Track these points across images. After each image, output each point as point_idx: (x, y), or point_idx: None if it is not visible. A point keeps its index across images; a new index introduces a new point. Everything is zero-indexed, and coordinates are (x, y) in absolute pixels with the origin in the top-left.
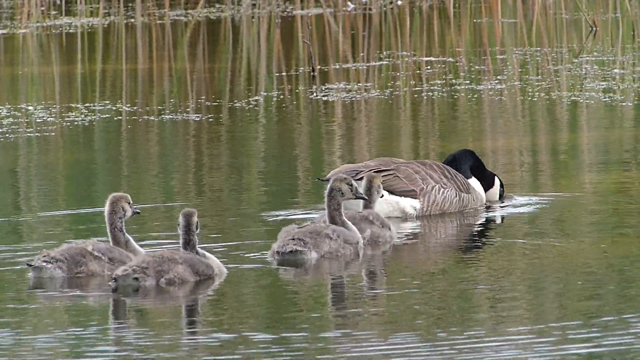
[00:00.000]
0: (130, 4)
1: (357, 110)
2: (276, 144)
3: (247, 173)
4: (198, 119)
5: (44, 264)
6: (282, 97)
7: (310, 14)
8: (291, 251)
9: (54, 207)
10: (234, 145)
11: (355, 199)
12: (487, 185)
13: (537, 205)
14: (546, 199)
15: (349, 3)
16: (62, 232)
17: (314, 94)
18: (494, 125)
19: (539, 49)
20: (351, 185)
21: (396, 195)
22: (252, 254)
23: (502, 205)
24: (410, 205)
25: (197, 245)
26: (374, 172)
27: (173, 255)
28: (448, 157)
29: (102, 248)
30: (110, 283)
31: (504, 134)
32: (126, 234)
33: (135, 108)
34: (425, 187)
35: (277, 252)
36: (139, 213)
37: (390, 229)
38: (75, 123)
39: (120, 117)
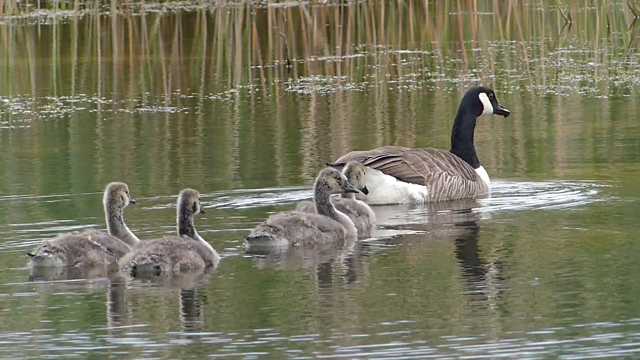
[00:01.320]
0: None
1: (332, 103)
2: (252, 136)
3: (223, 165)
4: (173, 111)
5: (45, 254)
6: (257, 89)
7: (285, 7)
8: (258, 237)
9: (29, 192)
10: (209, 138)
11: (344, 192)
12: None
13: (507, 200)
14: (523, 187)
15: None
16: (33, 216)
17: (290, 87)
18: None
19: (514, 41)
20: (339, 178)
21: (404, 181)
22: (226, 245)
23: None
24: (418, 191)
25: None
26: (378, 159)
27: (181, 241)
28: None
29: (101, 238)
30: (127, 269)
31: (480, 126)
32: (124, 223)
33: (110, 101)
34: (432, 174)
35: (248, 238)
36: (134, 203)
37: (368, 217)
38: (51, 115)
39: (95, 110)
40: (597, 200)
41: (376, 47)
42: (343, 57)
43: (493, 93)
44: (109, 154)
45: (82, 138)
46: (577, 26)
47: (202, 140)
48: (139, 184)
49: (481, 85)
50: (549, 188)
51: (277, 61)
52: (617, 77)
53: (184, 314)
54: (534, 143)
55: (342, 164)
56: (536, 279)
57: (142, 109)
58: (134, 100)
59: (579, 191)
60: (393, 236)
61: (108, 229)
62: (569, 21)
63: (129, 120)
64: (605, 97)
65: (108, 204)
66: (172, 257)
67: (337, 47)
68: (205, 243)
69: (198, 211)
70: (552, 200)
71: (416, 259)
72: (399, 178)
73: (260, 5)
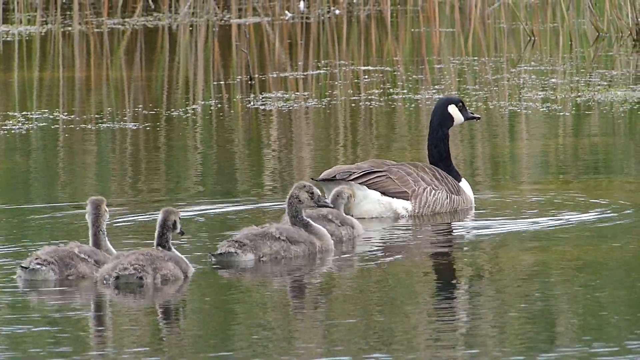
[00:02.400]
0: (67, 13)
1: (294, 119)
2: (214, 152)
3: (185, 180)
4: (135, 127)
5: (38, 266)
6: (219, 105)
7: (247, 23)
8: (222, 253)
9: None
10: (171, 154)
11: (316, 207)
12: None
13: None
14: (485, 205)
15: (286, 12)
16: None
17: (252, 103)
18: None
19: (477, 58)
20: (312, 193)
21: (388, 196)
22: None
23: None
24: (402, 206)
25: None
26: (362, 174)
27: (158, 253)
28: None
29: (87, 250)
30: (108, 281)
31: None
32: (106, 237)
33: (72, 116)
34: (417, 188)
35: (213, 254)
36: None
37: (353, 228)
38: (12, 131)
39: (57, 126)
40: (563, 217)
41: (338, 64)
42: (305, 73)
43: (462, 102)
44: (70, 170)
45: (44, 153)
46: (540, 43)
47: (164, 156)
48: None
49: (448, 96)
50: (511, 203)
51: (240, 77)
52: (579, 94)
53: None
54: (497, 159)
55: (327, 179)
56: (509, 307)
57: (103, 125)
58: (96, 115)
59: (544, 207)
60: (369, 250)
61: (90, 242)
62: (532, 38)
63: (90, 135)
64: (567, 113)
65: (94, 218)
66: (153, 268)
67: (300, 63)
68: (181, 255)
69: (177, 230)
70: (515, 216)
71: (385, 277)
72: (383, 193)
73: (223, 22)
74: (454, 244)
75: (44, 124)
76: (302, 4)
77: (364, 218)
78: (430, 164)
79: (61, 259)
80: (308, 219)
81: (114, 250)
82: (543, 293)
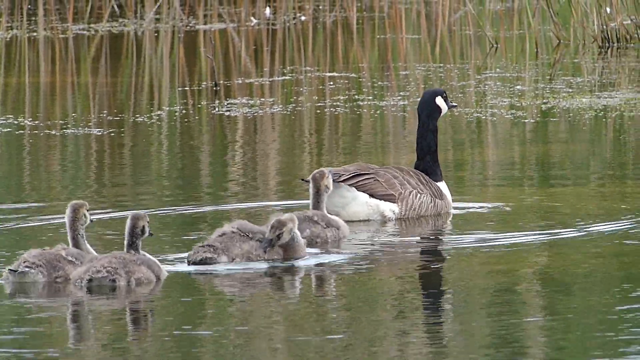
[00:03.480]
0: (33, 18)
1: (259, 125)
2: (179, 157)
3: (149, 186)
4: (100, 133)
5: (27, 269)
6: (184, 111)
7: (213, 29)
8: (202, 260)
9: None
10: (136, 159)
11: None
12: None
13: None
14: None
15: (252, 18)
16: None
17: (217, 109)
18: (396, 141)
19: (442, 65)
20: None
21: (376, 198)
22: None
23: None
24: (389, 209)
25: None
26: (351, 176)
27: (131, 256)
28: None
29: (74, 253)
30: (82, 284)
31: (407, 149)
32: (85, 240)
33: (37, 122)
34: (403, 191)
35: (188, 261)
36: (92, 222)
37: (338, 229)
38: None
39: (22, 131)
40: (529, 224)
41: (304, 70)
42: (271, 79)
43: (445, 93)
44: (35, 175)
45: (9, 159)
46: (505, 50)
47: (129, 162)
48: (65, 205)
49: (434, 88)
50: (473, 209)
51: (205, 83)
52: (544, 100)
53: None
54: (463, 165)
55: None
56: (477, 319)
57: (68, 130)
58: (61, 121)
59: (507, 214)
60: (351, 252)
61: (70, 245)
62: (495, 45)
63: (55, 141)
64: (532, 120)
65: (71, 222)
66: (125, 272)
67: (265, 69)
68: (153, 259)
69: (146, 234)
70: (486, 224)
71: (355, 285)
72: (371, 195)
73: (188, 28)
74: (435, 253)
75: (9, 129)
76: (267, 11)
77: (352, 221)
78: (418, 157)
79: (49, 262)
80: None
81: (95, 253)
82: (517, 305)
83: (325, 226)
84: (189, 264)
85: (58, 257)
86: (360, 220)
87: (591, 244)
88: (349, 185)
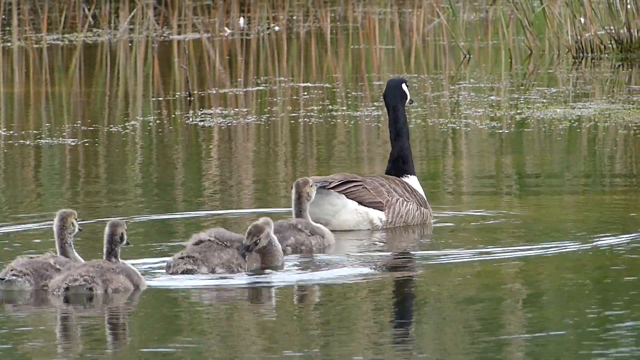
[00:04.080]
0: (7, 28)
1: (233, 135)
2: (153, 168)
3: (124, 196)
4: (74, 143)
5: (14, 277)
6: (158, 121)
7: (187, 39)
8: (183, 272)
9: None
10: (110, 169)
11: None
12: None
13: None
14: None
15: (226, 28)
16: None
17: (190, 119)
18: (370, 152)
19: (416, 75)
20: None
21: (365, 206)
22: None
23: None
24: (377, 216)
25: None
26: (340, 183)
27: (110, 265)
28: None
29: (62, 261)
30: (58, 292)
31: (382, 159)
32: (74, 249)
33: (11, 132)
34: (390, 199)
35: (168, 271)
36: (81, 230)
37: (323, 238)
38: None
39: None
40: (504, 235)
41: (278, 80)
42: (245, 89)
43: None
44: (9, 185)
45: None
46: (480, 60)
47: (103, 172)
48: (40, 215)
49: (398, 76)
50: (449, 220)
51: (179, 93)
52: (519, 111)
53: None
54: (436, 176)
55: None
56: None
57: (42, 141)
58: (35, 131)
59: (487, 223)
60: (332, 262)
61: (58, 254)
62: (467, 56)
63: (29, 151)
64: (507, 130)
65: (59, 230)
66: (103, 280)
67: (239, 79)
68: (133, 267)
69: (124, 242)
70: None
71: (329, 296)
72: (360, 202)
73: (162, 38)
74: (417, 264)
75: None
76: (242, 21)
77: (340, 230)
78: (394, 142)
79: (36, 270)
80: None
81: (82, 261)
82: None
83: (309, 234)
84: (167, 271)
85: (46, 265)
86: (347, 230)
87: (567, 256)
88: (338, 192)
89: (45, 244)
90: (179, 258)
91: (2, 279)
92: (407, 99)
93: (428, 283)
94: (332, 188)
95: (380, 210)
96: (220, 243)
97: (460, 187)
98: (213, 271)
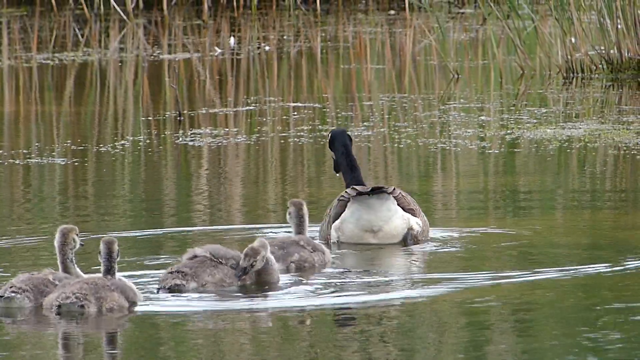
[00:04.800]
0: None
1: (223, 155)
2: (142, 187)
3: (113, 217)
4: (64, 162)
5: (13, 294)
6: (148, 141)
7: (177, 59)
8: (170, 287)
9: None
10: (99, 189)
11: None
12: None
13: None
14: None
15: (216, 48)
16: None
17: (180, 139)
18: (362, 172)
19: (407, 95)
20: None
21: (406, 212)
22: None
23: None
24: (416, 222)
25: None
26: (391, 188)
27: (104, 282)
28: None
29: (61, 277)
30: (51, 309)
31: (372, 179)
32: (75, 265)
33: (0, 151)
34: (416, 208)
35: (158, 288)
36: (82, 245)
37: (324, 254)
38: None
39: None
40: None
41: (268, 100)
42: (235, 109)
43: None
44: None
45: None
46: (470, 80)
47: (93, 191)
48: (30, 234)
49: (340, 128)
50: (440, 241)
51: (168, 113)
52: (509, 131)
53: None
54: (427, 196)
55: (364, 193)
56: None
57: (32, 160)
58: (24, 150)
59: (478, 245)
60: (328, 281)
61: (60, 270)
62: (456, 75)
63: (18, 171)
64: (496, 151)
65: (60, 246)
66: (96, 298)
67: (229, 99)
68: (129, 283)
69: (118, 258)
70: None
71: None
72: (402, 208)
73: (152, 57)
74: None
75: None
76: (232, 40)
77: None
78: (346, 175)
79: (36, 287)
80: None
81: (84, 277)
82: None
83: (312, 250)
84: (158, 292)
85: (45, 281)
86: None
87: (561, 279)
88: (394, 197)
89: (38, 259)
90: (169, 272)
91: (2, 296)
92: (352, 142)
93: (424, 310)
94: (390, 192)
95: (414, 217)
96: (214, 260)
97: (450, 207)
98: (203, 287)
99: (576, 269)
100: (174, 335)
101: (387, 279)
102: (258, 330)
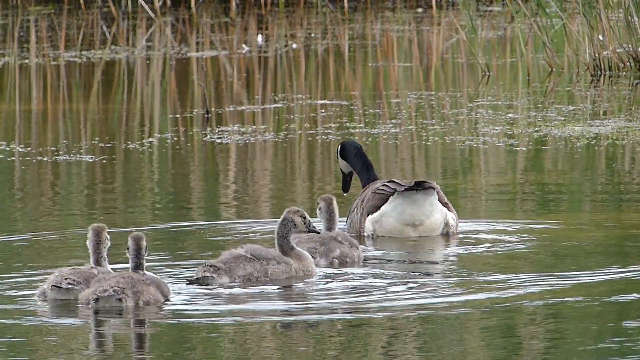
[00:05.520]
0: (25, 45)
1: (251, 153)
2: (170, 184)
3: (141, 214)
4: (91, 160)
5: (70, 285)
6: (176, 138)
7: (205, 56)
8: (198, 278)
9: None
10: (127, 186)
11: (307, 232)
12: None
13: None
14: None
15: (244, 45)
16: None
17: (208, 136)
18: (388, 169)
19: (434, 93)
20: (304, 218)
21: (442, 205)
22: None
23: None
24: (451, 217)
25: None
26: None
27: (140, 276)
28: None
29: (104, 271)
30: (90, 304)
31: (399, 177)
32: (107, 262)
33: (29, 149)
34: (449, 203)
35: (190, 281)
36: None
37: (358, 249)
38: None
39: (13, 158)
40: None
41: (295, 97)
42: (262, 106)
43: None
44: (26, 202)
45: (0, 186)
46: (498, 77)
47: (120, 188)
48: (59, 231)
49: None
50: (469, 237)
51: (196, 110)
52: (536, 129)
53: None
54: (455, 193)
55: (412, 188)
56: None
57: (60, 157)
58: (52, 148)
59: (511, 242)
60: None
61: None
62: (487, 73)
63: (46, 168)
64: (524, 148)
65: (95, 245)
66: (133, 292)
67: (257, 96)
68: (160, 278)
69: (146, 254)
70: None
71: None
72: (440, 202)
73: (180, 55)
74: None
75: (1, 156)
76: (260, 38)
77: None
78: (363, 175)
79: (86, 280)
80: (293, 244)
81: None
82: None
83: (349, 246)
84: (189, 284)
85: (92, 274)
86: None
87: (590, 279)
88: (436, 191)
89: (69, 252)
90: (202, 266)
91: (60, 287)
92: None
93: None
94: (433, 187)
95: (450, 211)
96: (251, 257)
97: (479, 204)
98: (234, 281)
99: (605, 270)
100: (201, 338)
101: (422, 281)
102: (283, 334)
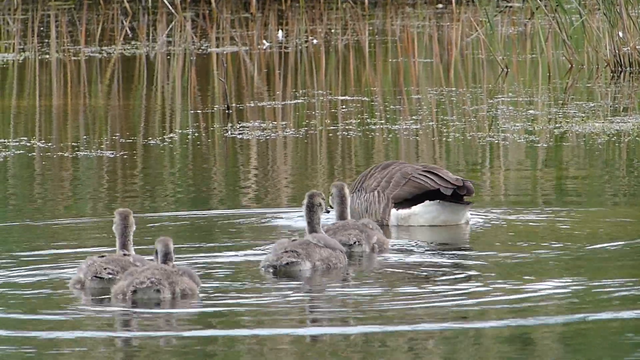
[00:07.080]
0: (45, 41)
1: (271, 149)
2: (190, 180)
3: (161, 209)
4: (112, 155)
5: (110, 275)
6: (196, 134)
7: (225, 52)
8: (287, 264)
9: None
10: (147, 182)
11: (326, 212)
12: None
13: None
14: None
15: (264, 41)
16: None
17: (229, 132)
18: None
19: (454, 89)
20: (322, 198)
21: None
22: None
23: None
24: (469, 216)
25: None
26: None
27: (171, 268)
28: None
29: (138, 259)
30: (127, 296)
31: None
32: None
33: (49, 144)
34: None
35: (273, 266)
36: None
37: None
38: None
39: (34, 153)
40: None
41: (316, 93)
42: (283, 102)
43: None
44: (47, 197)
45: (21, 181)
46: (518, 74)
47: (141, 184)
48: (78, 226)
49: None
50: (488, 233)
51: (217, 106)
52: (557, 125)
53: None
54: (477, 191)
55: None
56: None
57: (80, 153)
58: (73, 143)
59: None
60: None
61: (118, 250)
62: (505, 69)
63: (67, 163)
64: (545, 144)
65: (123, 229)
66: (169, 283)
67: (277, 92)
68: (191, 269)
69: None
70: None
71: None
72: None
73: (200, 50)
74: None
75: (21, 151)
76: (280, 34)
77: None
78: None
79: (123, 268)
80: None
81: (139, 256)
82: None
83: (382, 233)
84: (271, 268)
85: (127, 262)
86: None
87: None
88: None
89: (88, 239)
90: (283, 252)
91: (101, 277)
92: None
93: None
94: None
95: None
96: (317, 244)
97: (499, 200)
98: (314, 266)
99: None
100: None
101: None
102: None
